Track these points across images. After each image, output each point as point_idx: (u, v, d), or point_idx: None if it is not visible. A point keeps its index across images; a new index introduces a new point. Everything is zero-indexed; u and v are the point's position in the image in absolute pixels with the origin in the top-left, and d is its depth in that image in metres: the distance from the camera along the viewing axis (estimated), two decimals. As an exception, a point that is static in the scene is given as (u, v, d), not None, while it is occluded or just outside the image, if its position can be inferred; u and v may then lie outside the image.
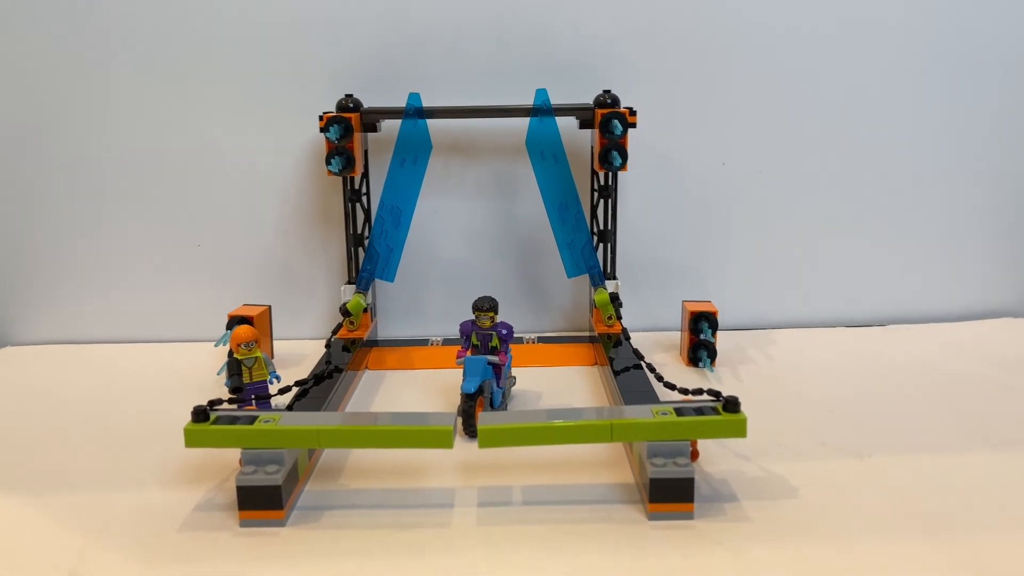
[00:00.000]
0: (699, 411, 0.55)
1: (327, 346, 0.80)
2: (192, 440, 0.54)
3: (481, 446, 0.54)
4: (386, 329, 0.97)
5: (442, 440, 0.54)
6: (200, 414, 0.55)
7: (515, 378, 0.78)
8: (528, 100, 0.85)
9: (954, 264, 0.99)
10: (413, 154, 0.85)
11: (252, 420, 0.55)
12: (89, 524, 0.55)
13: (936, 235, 0.98)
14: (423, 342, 0.91)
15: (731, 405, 0.55)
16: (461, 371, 0.70)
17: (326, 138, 0.83)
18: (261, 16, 0.90)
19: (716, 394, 0.57)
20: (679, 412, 0.55)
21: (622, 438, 0.55)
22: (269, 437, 0.54)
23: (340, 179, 0.89)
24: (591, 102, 0.86)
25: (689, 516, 0.54)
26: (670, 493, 0.53)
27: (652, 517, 0.54)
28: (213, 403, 0.58)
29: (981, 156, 0.96)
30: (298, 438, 0.54)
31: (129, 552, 0.51)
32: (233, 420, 0.55)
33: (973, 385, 0.78)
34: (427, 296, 0.97)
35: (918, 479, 0.59)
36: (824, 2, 0.91)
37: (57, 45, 0.90)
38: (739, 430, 0.54)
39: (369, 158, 0.91)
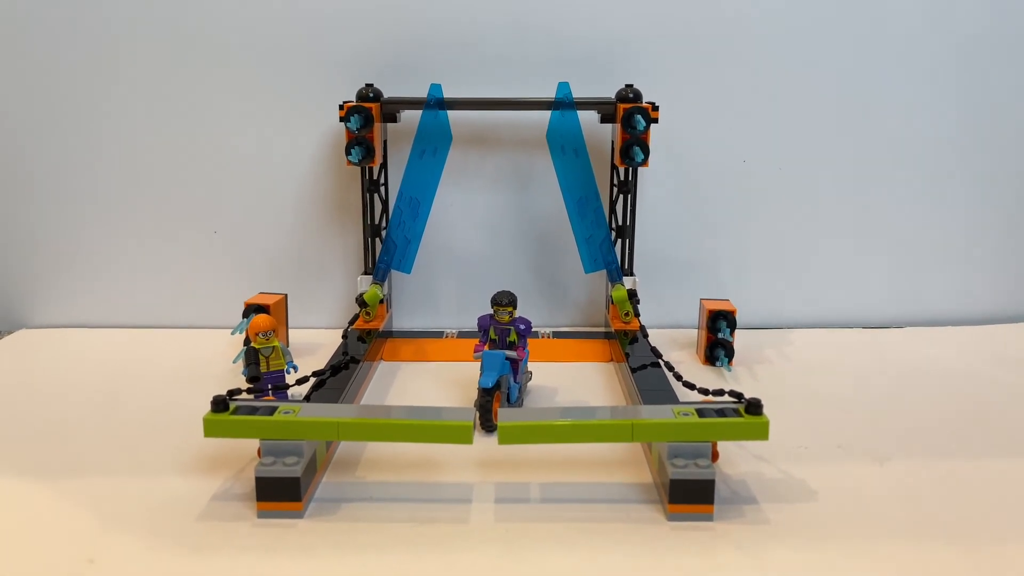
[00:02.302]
0: (721, 412, 0.55)
1: (344, 336, 0.80)
2: (211, 430, 0.54)
3: (501, 442, 0.54)
4: (400, 320, 0.96)
5: (462, 436, 0.53)
6: (219, 404, 0.55)
7: (531, 373, 0.78)
8: (550, 93, 0.85)
9: (973, 267, 0.98)
10: (433, 145, 0.85)
11: (272, 411, 0.55)
12: (107, 511, 0.55)
13: (956, 238, 0.97)
14: (438, 334, 0.91)
15: (753, 407, 0.54)
16: (476, 364, 0.70)
17: (346, 127, 0.83)
18: (282, 4, 0.89)
19: (738, 395, 0.57)
20: (701, 413, 0.55)
21: (643, 438, 0.55)
22: (289, 429, 0.54)
23: (359, 169, 0.89)
24: (613, 96, 0.85)
25: (709, 518, 0.53)
26: (690, 494, 0.53)
27: (672, 518, 0.53)
28: (232, 393, 0.58)
29: (1002, 158, 0.96)
30: (318, 430, 0.54)
31: (147, 540, 0.51)
32: (252, 411, 0.55)
33: (991, 390, 0.77)
34: (442, 288, 0.97)
35: (936, 484, 0.59)
36: (848, 1, 0.90)
37: (74, 32, 0.90)
38: (761, 432, 0.54)
39: (388, 148, 0.91)
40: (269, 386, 0.69)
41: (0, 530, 0.53)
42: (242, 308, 0.84)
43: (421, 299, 0.97)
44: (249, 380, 0.69)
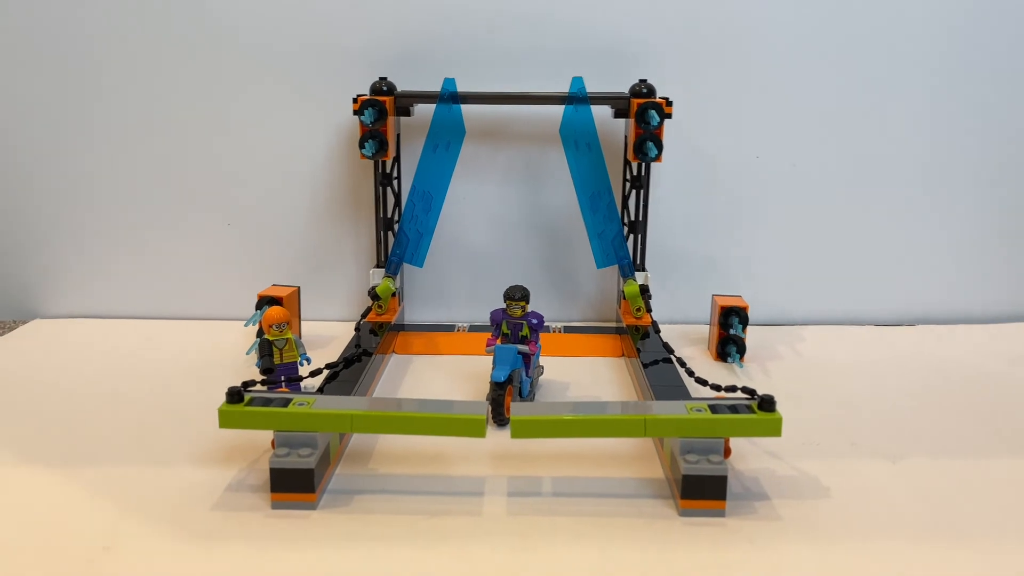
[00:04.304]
0: (733, 409, 0.55)
1: (356, 329, 0.80)
2: (226, 421, 0.55)
3: (513, 436, 0.54)
4: (412, 314, 0.97)
5: (475, 429, 0.54)
6: (234, 395, 0.55)
7: (543, 367, 0.78)
8: (563, 88, 0.85)
9: (986, 265, 0.97)
10: (446, 139, 0.85)
11: (286, 403, 0.55)
12: (122, 500, 0.55)
13: (970, 235, 0.97)
14: (449, 328, 0.91)
15: (766, 404, 0.54)
16: (487, 358, 0.70)
17: (360, 121, 0.83)
18: (297, -4, 0.90)
19: (751, 392, 0.57)
20: (713, 409, 0.55)
21: (656, 433, 0.55)
22: (303, 420, 0.54)
23: (372, 162, 0.89)
24: (627, 91, 0.85)
25: (721, 513, 0.53)
26: (703, 490, 0.53)
27: (683, 513, 0.54)
28: (247, 384, 0.58)
29: (1015, 156, 0.95)
30: (332, 422, 0.54)
31: (162, 529, 0.52)
32: (267, 402, 0.56)
33: (1004, 388, 0.77)
34: (454, 282, 0.97)
35: (950, 483, 0.59)
36: (862, 1, 0.90)
37: (88, 24, 0.90)
38: (774, 429, 0.54)
39: (401, 142, 0.91)
40: (283, 378, 0.70)
41: (16, 518, 0.53)
42: (256, 300, 0.84)
43: (433, 293, 0.97)
44: (263, 372, 0.69)
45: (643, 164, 0.86)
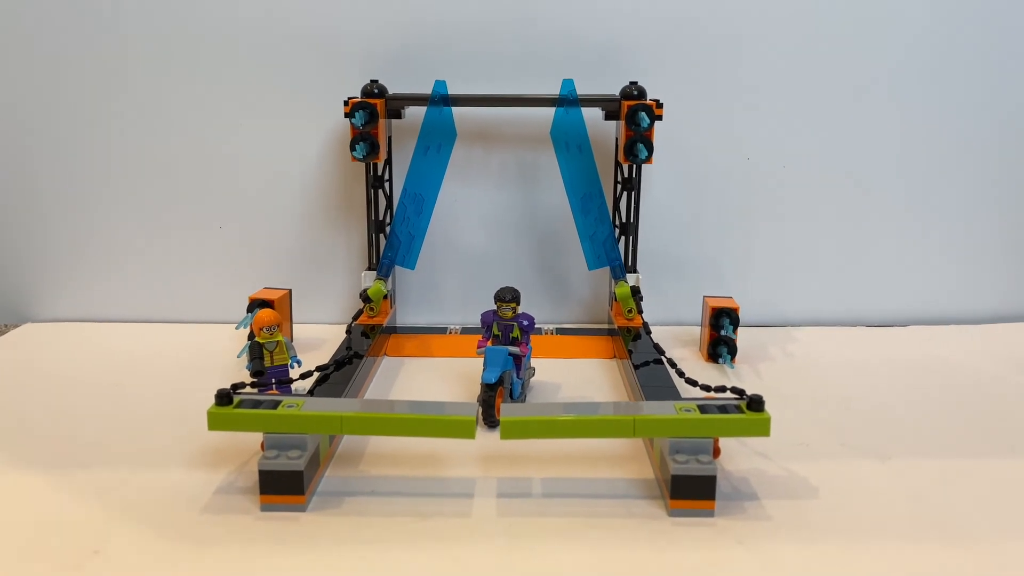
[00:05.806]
0: (723, 409, 0.55)
1: (347, 332, 0.80)
2: (215, 423, 0.55)
3: (503, 437, 0.54)
4: (404, 316, 0.97)
5: (464, 430, 0.54)
6: (224, 397, 0.55)
7: (534, 369, 0.78)
8: (554, 90, 0.85)
9: (977, 266, 0.98)
10: (437, 142, 0.85)
11: (275, 405, 0.55)
12: (112, 503, 0.55)
13: (960, 236, 0.97)
14: (441, 330, 0.91)
15: (755, 404, 0.55)
16: (479, 360, 0.70)
17: (351, 124, 0.83)
18: (289, 0, 0.90)
19: (740, 392, 0.57)
20: (702, 409, 0.55)
21: (645, 434, 0.55)
22: (293, 422, 0.54)
23: (363, 165, 0.89)
24: (617, 93, 0.86)
25: (710, 513, 0.53)
26: (692, 490, 0.53)
27: (673, 513, 0.54)
28: (236, 387, 0.58)
29: (1008, 157, 0.95)
30: (321, 424, 0.54)
31: (152, 532, 0.52)
32: (256, 404, 0.55)
33: (996, 389, 0.77)
34: (446, 284, 0.97)
35: (940, 482, 0.59)
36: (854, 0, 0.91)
37: (82, 29, 0.90)
38: (763, 429, 0.54)
39: (392, 145, 0.91)
40: (273, 380, 0.70)
41: (7, 521, 0.53)
42: (247, 303, 0.84)
43: (425, 295, 0.97)
44: (253, 374, 0.69)
45: (634, 166, 0.87)
